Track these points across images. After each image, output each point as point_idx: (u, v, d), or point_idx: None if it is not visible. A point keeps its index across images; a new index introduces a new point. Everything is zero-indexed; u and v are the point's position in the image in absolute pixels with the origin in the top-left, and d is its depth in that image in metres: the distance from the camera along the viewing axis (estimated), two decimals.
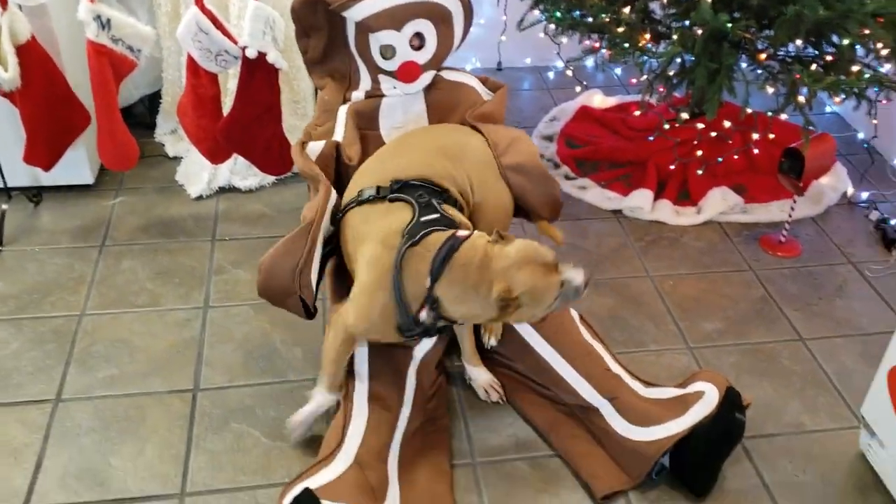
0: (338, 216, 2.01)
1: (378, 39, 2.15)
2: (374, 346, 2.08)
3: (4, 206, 2.76)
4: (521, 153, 2.18)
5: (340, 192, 2.13)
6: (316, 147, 2.16)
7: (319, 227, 1.95)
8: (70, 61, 2.67)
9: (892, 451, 1.90)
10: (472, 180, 2.08)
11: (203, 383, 2.21)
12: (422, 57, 2.19)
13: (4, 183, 2.80)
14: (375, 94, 2.24)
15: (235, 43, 2.44)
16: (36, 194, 2.90)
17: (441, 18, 2.17)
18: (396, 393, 2.04)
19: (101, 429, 2.07)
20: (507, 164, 2.15)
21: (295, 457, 2.01)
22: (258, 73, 2.46)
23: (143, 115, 3.32)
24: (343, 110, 2.24)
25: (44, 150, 2.63)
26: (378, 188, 1.97)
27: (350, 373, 2.05)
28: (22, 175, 2.83)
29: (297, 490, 1.76)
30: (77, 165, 2.86)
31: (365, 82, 2.24)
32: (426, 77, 2.24)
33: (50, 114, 2.57)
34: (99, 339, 2.34)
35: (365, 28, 2.13)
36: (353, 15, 2.09)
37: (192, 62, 2.50)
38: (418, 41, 2.17)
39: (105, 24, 2.45)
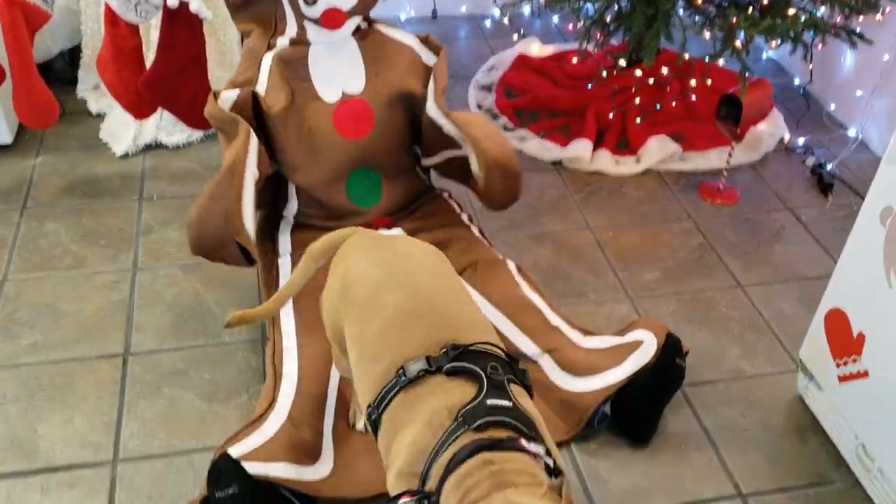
0: (372, 416, 1.41)
1: None
2: (298, 303, 2.03)
3: None
4: (503, 147, 2.14)
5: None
6: (230, 95, 2.09)
7: (244, 165, 1.88)
8: None
9: (829, 393, 1.93)
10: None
11: (133, 347, 2.13)
12: (345, 3, 2.11)
13: None
14: (301, 41, 2.16)
15: None
16: None
17: None
18: (326, 347, 1.99)
19: (26, 397, 1.99)
20: (489, 159, 2.10)
21: (232, 419, 1.96)
22: (181, 23, 2.36)
23: (63, 70, 3.18)
24: (268, 57, 2.16)
25: None
26: (428, 359, 1.39)
27: (279, 331, 2.01)
28: None
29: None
30: None
31: (291, 28, 2.16)
32: (351, 23, 2.17)
33: None
34: (22, 305, 2.24)
35: None
36: None
37: (110, 12, 2.38)
38: None
39: None
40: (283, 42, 2.17)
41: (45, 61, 3.08)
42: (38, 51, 2.84)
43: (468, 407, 1.29)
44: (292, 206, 2.33)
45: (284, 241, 2.29)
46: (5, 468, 1.83)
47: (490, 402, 1.30)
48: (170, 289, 2.32)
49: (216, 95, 2.09)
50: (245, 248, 1.99)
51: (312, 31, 2.15)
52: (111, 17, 2.38)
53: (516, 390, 1.37)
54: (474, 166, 2.19)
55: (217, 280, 2.34)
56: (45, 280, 2.33)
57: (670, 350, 1.98)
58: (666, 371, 1.96)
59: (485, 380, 1.33)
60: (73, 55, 3.15)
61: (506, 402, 1.31)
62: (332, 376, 1.96)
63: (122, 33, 2.41)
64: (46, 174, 2.75)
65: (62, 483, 1.80)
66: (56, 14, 2.47)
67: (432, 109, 2.23)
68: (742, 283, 2.44)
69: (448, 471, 1.22)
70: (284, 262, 2.22)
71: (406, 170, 2.38)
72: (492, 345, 1.42)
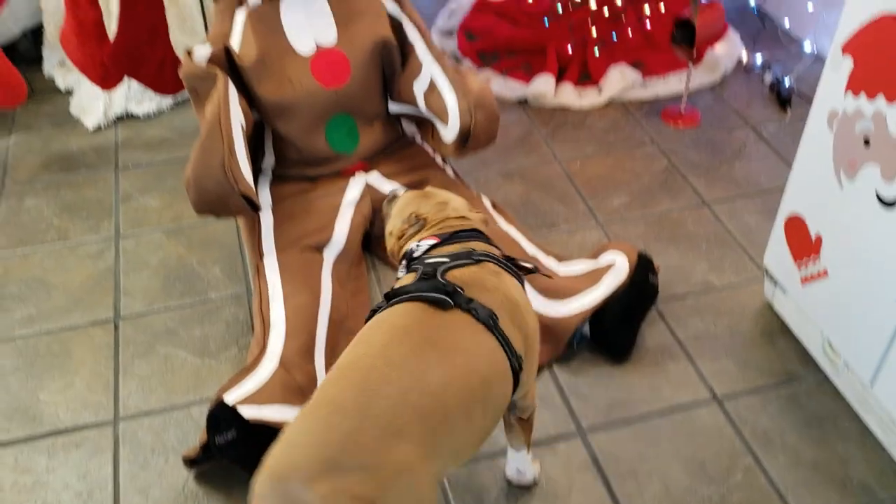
0: None
1: None
2: (283, 258, 2.10)
3: None
4: (486, 91, 2.21)
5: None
6: (203, 51, 2.12)
7: (229, 113, 1.91)
8: None
9: (794, 295, 2.01)
10: None
11: (123, 312, 2.20)
12: None
13: None
14: None
15: None
16: None
17: None
18: (312, 295, 2.06)
19: (25, 367, 2.06)
20: (477, 100, 2.17)
21: (225, 371, 2.03)
22: None
23: (27, 49, 3.19)
24: (241, 13, 2.20)
25: None
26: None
27: (265, 282, 2.08)
28: None
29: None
30: None
31: None
32: None
33: None
34: (11, 280, 2.30)
35: None
36: None
37: None
38: None
39: None
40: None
41: (9, 43, 3.09)
42: (0, 33, 2.86)
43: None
44: (269, 160, 2.37)
45: (264, 196, 2.34)
46: (11, 435, 1.90)
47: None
48: (154, 253, 2.38)
49: (190, 53, 2.12)
50: (247, 196, 2.04)
51: None
52: None
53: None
54: (454, 113, 2.22)
55: (200, 242, 2.40)
56: (31, 255, 2.38)
57: (643, 268, 2.06)
58: (640, 288, 2.04)
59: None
60: (35, 34, 3.16)
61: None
62: (321, 321, 2.03)
63: (82, 7, 2.43)
64: (22, 153, 2.79)
65: (68, 444, 1.87)
66: None
67: (424, 54, 2.28)
68: (707, 200, 2.52)
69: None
70: (266, 216, 2.27)
71: (381, 115, 2.43)
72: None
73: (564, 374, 2.00)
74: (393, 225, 1.69)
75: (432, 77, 2.26)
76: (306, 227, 2.20)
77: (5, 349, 2.10)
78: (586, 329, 2.05)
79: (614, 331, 2.02)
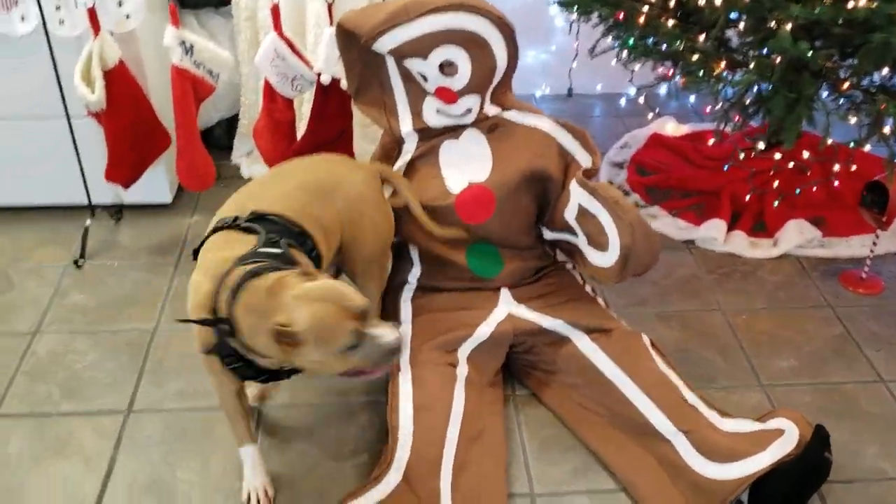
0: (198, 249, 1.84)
1: (413, 67, 2.18)
2: (416, 371, 2.08)
3: (88, 222, 2.86)
4: (640, 216, 2.12)
5: None
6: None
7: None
8: (154, 84, 2.77)
9: None
10: (343, 217, 2.03)
11: (269, 401, 2.24)
12: (456, 83, 2.19)
13: (89, 199, 2.91)
14: (423, 128, 2.26)
15: (311, 68, 2.50)
16: (117, 211, 3.01)
17: (473, 44, 2.16)
18: (444, 410, 2.02)
19: (169, 441, 2.11)
20: (633, 218, 2.09)
21: (353, 476, 2.01)
22: (331, 98, 2.51)
23: (220, 137, 3.42)
24: (405, 156, 2.31)
25: (125, 168, 2.73)
26: (236, 217, 1.83)
27: (396, 393, 2.06)
28: (105, 193, 2.93)
29: None
30: (156, 184, 2.95)
31: (402, 106, 2.27)
32: (467, 101, 2.23)
33: (133, 134, 2.67)
34: (170, 353, 2.40)
35: (398, 56, 2.18)
36: (380, 47, 2.14)
37: (268, 87, 2.56)
38: (450, 68, 2.18)
39: (188, 50, 2.53)
40: (406, 129, 2.28)
41: (205, 128, 3.34)
42: (200, 119, 3.08)
43: (244, 255, 1.68)
44: (416, 270, 2.36)
45: (406, 309, 2.31)
46: None
47: (262, 249, 1.70)
48: None
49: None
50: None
51: (429, 108, 2.25)
52: (269, 91, 2.56)
53: (297, 253, 1.75)
54: (612, 232, 2.13)
55: None
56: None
57: (819, 443, 1.90)
58: (813, 463, 1.88)
59: (263, 237, 1.74)
60: (230, 124, 3.39)
61: (276, 250, 1.70)
62: (449, 436, 1.98)
63: (278, 107, 2.58)
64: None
65: None
66: (219, 87, 2.67)
67: (575, 186, 2.20)
68: (884, 377, 2.32)
69: (233, 296, 1.61)
70: (405, 329, 2.24)
71: (528, 247, 2.38)
72: (284, 217, 1.84)
73: None
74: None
75: (580, 203, 2.18)
76: (445, 340, 2.18)
77: (154, 419, 2.18)
78: (744, 496, 1.90)
79: None
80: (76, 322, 2.52)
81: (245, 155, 3.34)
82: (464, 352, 2.17)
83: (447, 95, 2.20)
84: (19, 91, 2.69)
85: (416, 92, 2.25)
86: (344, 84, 2.46)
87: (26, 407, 2.22)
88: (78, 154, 2.79)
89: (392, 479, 1.88)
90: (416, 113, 2.26)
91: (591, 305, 2.32)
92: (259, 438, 2.12)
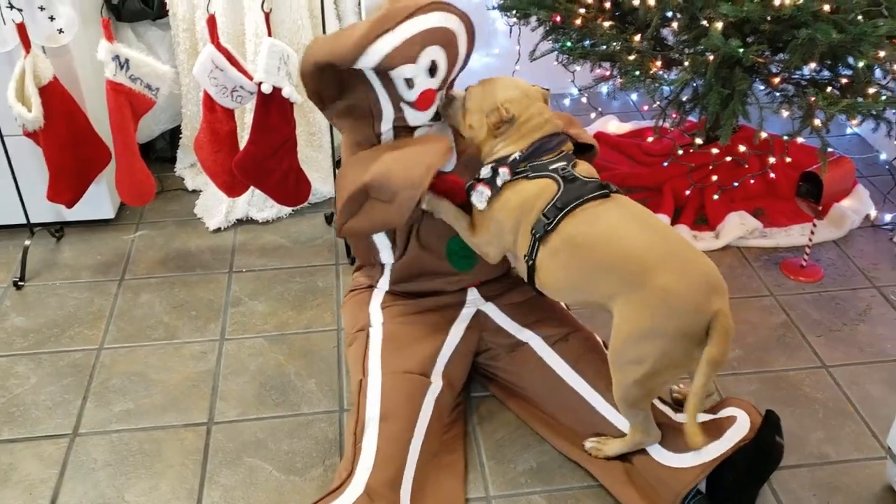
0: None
1: (401, 73, 2.13)
2: (386, 380, 2.07)
3: (27, 242, 2.80)
4: None
5: None
6: None
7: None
8: (91, 100, 2.72)
9: None
10: None
11: (217, 417, 2.21)
12: (436, 82, 2.18)
13: (28, 219, 2.84)
14: (402, 125, 2.23)
15: (251, 79, 2.47)
16: (58, 229, 2.95)
17: (448, 42, 2.15)
18: (409, 422, 2.02)
19: (116, 463, 2.08)
20: None
21: (308, 491, 2.00)
22: (274, 108, 2.49)
23: (163, 149, 3.38)
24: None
25: (67, 187, 2.68)
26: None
27: (364, 402, 2.05)
28: (45, 211, 2.87)
29: None
30: (98, 200, 2.90)
31: (387, 111, 2.21)
32: (437, 101, 2.23)
33: (72, 152, 2.62)
34: (116, 373, 2.36)
35: (385, 68, 2.11)
36: (366, 63, 2.07)
37: (208, 98, 2.53)
38: (435, 69, 2.17)
39: (124, 64, 2.49)
40: (386, 128, 2.24)
41: (147, 141, 3.29)
42: (141, 132, 3.05)
43: None
44: (387, 273, 2.32)
45: (376, 313, 2.29)
46: None
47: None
48: (254, 359, 2.40)
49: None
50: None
51: (408, 114, 2.22)
52: (209, 103, 2.53)
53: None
54: None
55: (300, 351, 2.42)
56: (137, 350, 2.45)
57: (771, 427, 1.94)
58: (767, 448, 1.91)
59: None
60: (173, 136, 3.35)
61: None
62: (411, 453, 1.98)
63: (218, 118, 2.55)
64: (144, 247, 2.91)
65: None
66: (159, 99, 2.63)
67: None
68: (826, 363, 2.38)
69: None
70: (376, 333, 2.22)
71: None
72: None
73: None
74: (477, 120, 2.03)
75: None
76: (413, 352, 2.17)
77: (100, 442, 2.14)
78: (702, 485, 1.93)
79: (735, 490, 1.90)
80: (16, 345, 2.47)
81: (188, 167, 3.30)
82: (438, 368, 2.17)
83: (428, 99, 2.15)
84: None
85: (395, 97, 2.21)
86: (287, 92, 2.43)
87: None
88: (13, 173, 2.72)
89: (353, 491, 1.85)
90: (399, 114, 2.23)
91: (552, 304, 2.34)
92: (207, 458, 2.09)
